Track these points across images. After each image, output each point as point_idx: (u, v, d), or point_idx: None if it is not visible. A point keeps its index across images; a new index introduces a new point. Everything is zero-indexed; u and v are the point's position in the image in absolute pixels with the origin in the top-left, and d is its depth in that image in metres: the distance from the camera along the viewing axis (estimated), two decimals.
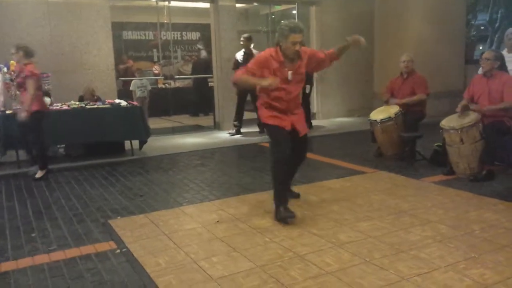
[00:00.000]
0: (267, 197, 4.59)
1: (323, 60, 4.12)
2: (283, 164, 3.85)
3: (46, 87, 6.69)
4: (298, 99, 4.12)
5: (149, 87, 9.40)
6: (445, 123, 5.09)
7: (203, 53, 11.89)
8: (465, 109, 5.06)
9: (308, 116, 8.60)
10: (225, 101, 8.88)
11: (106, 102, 6.81)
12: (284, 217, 3.83)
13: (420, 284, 2.73)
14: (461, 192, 4.54)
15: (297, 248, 3.32)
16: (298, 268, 3.01)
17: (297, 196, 4.45)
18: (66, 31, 7.46)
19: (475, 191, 4.52)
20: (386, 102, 6.19)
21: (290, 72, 3.87)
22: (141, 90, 9.10)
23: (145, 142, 6.91)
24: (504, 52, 5.43)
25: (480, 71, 5.29)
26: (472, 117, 4.93)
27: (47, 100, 6.30)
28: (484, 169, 4.90)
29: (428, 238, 3.42)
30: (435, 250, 3.20)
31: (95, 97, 7.11)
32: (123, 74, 10.61)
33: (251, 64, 3.91)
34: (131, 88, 9.16)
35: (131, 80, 9.33)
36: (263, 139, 7.89)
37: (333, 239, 3.46)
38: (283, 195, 3.95)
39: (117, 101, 6.95)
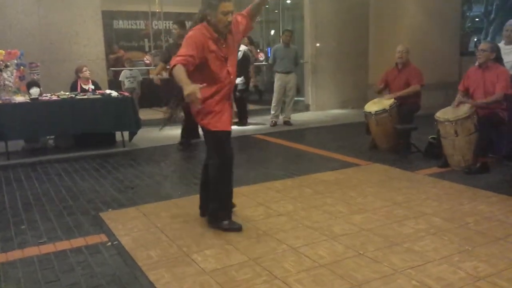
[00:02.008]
0: (260, 189, 4.57)
1: (247, 22, 3.54)
2: (229, 166, 3.54)
3: (35, 77, 6.59)
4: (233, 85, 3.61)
5: (140, 78, 9.29)
6: (440, 115, 5.08)
7: None
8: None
9: (244, 113, 8.42)
10: None
11: (97, 93, 6.72)
12: (233, 228, 3.52)
13: (414, 277, 2.72)
14: (455, 184, 4.53)
15: (290, 241, 3.29)
16: (291, 260, 2.99)
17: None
18: (55, 20, 7.33)
19: (469, 184, 4.52)
20: (379, 93, 6.16)
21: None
22: (129, 80, 8.99)
23: (135, 133, 6.84)
24: (502, 44, 5.41)
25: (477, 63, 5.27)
26: (466, 109, 4.92)
27: (36, 90, 6.19)
28: (478, 162, 4.90)
29: (422, 231, 3.41)
30: (429, 243, 3.19)
31: (90, 79, 7.01)
32: (114, 64, 10.49)
33: (187, 49, 3.19)
34: (120, 79, 9.05)
35: (122, 70, 9.23)
36: (256, 131, 7.86)
37: (326, 232, 3.44)
38: (229, 205, 3.63)
39: (108, 91, 6.85)
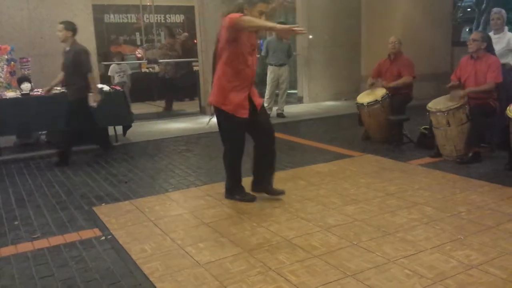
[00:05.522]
0: None
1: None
2: (241, 151, 3.87)
3: (25, 72, 6.53)
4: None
5: (129, 72, 9.22)
6: (432, 105, 5.10)
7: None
8: (454, 88, 5.08)
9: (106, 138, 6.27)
10: (210, 85, 8.75)
11: None
12: (250, 198, 3.97)
13: (407, 266, 2.75)
14: (447, 174, 4.56)
15: (284, 233, 3.30)
16: (285, 252, 3.00)
17: (282, 192, 4.04)
18: (46, 14, 7.25)
19: (461, 173, 4.55)
20: (372, 85, 6.16)
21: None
22: (119, 75, 8.90)
23: (129, 127, 6.80)
24: (490, 34, 5.43)
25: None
26: (458, 99, 4.93)
27: (27, 85, 6.14)
28: (470, 151, 4.93)
29: (414, 221, 3.43)
30: (421, 232, 3.22)
31: None
32: (115, 57, 10.38)
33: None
34: (109, 74, 8.95)
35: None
36: None
37: (320, 223, 3.45)
38: (239, 182, 4.01)
39: (100, 86, 6.79)
